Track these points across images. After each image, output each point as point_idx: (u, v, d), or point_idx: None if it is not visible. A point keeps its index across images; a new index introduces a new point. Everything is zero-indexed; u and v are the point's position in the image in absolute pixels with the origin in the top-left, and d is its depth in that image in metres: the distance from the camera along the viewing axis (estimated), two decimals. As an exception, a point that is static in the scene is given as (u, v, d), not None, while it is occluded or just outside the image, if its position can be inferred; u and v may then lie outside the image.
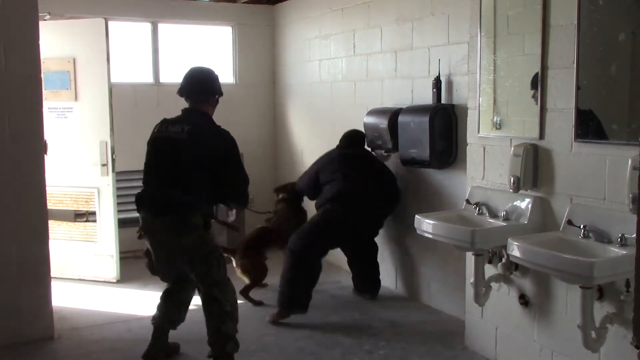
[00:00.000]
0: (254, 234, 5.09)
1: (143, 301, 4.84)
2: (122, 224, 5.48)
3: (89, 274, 5.43)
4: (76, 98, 5.26)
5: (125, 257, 5.70)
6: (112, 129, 5.26)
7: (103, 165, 5.26)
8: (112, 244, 5.38)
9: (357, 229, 4.79)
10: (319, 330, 4.30)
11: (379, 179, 4.83)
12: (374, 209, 4.81)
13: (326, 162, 4.97)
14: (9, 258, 3.98)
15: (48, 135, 4.59)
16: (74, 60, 5.28)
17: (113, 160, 5.28)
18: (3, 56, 3.88)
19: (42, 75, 4.79)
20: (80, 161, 5.37)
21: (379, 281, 5.04)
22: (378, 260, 5.11)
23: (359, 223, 4.77)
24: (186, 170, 3.52)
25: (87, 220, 5.59)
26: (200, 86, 3.75)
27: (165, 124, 3.68)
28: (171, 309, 3.81)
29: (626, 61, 2.88)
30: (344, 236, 4.82)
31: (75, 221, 5.62)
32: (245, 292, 4.83)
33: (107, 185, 5.32)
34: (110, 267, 5.41)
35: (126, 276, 5.42)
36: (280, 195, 5.35)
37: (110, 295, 5.12)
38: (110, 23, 6.22)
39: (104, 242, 5.41)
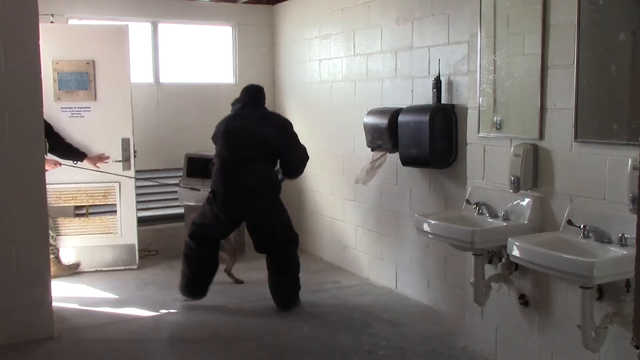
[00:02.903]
0: None
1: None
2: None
3: (109, 264, 5.73)
4: (95, 98, 5.58)
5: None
6: (133, 126, 5.69)
7: (126, 160, 5.67)
8: (133, 234, 5.80)
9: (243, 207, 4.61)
10: (319, 330, 4.30)
11: (271, 145, 4.58)
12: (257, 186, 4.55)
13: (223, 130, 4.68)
14: (9, 258, 3.97)
15: (64, 132, 5.44)
16: (94, 62, 5.56)
17: (135, 155, 5.73)
18: (3, 56, 3.87)
19: (57, 76, 5.36)
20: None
21: (289, 296, 4.72)
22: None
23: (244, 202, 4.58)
24: None
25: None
26: None
27: None
28: None
29: (626, 61, 2.88)
30: (231, 217, 4.67)
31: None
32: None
33: (128, 178, 5.69)
34: (131, 255, 5.81)
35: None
36: None
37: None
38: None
39: (125, 232, 5.77)
